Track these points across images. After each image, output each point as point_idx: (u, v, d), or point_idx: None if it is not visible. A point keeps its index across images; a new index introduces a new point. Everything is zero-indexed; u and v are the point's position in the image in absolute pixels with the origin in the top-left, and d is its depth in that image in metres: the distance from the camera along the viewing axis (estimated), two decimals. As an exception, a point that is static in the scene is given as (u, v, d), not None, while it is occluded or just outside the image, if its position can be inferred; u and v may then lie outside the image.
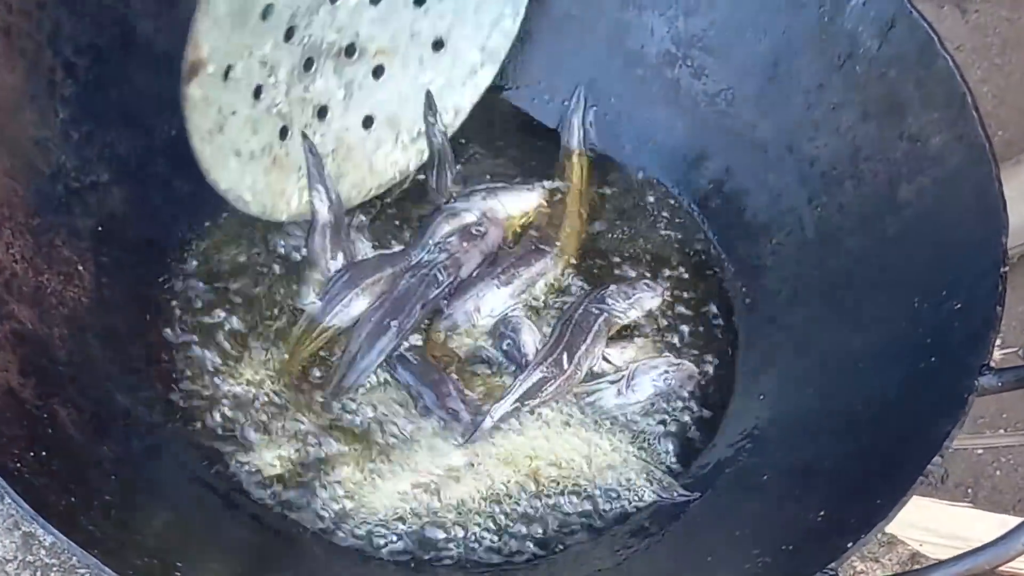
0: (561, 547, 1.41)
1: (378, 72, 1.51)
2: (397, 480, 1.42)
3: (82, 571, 1.39)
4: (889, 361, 1.37)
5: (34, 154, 1.40)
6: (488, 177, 1.69)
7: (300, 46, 1.43)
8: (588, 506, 1.43)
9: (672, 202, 1.71)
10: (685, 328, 1.59)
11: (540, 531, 1.41)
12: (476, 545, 1.39)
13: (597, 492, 1.44)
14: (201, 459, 1.41)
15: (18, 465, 1.13)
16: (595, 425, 1.48)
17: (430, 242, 1.56)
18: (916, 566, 1.43)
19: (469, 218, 1.59)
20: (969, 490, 1.81)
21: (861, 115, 1.49)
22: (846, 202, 1.51)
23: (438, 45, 1.52)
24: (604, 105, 1.74)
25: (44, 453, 1.19)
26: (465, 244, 1.57)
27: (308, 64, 1.46)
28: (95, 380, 1.37)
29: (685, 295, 1.62)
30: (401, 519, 1.40)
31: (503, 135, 1.75)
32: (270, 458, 1.42)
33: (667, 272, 1.63)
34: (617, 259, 1.65)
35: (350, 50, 1.47)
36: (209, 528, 1.35)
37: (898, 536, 1.49)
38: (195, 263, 1.57)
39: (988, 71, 2.25)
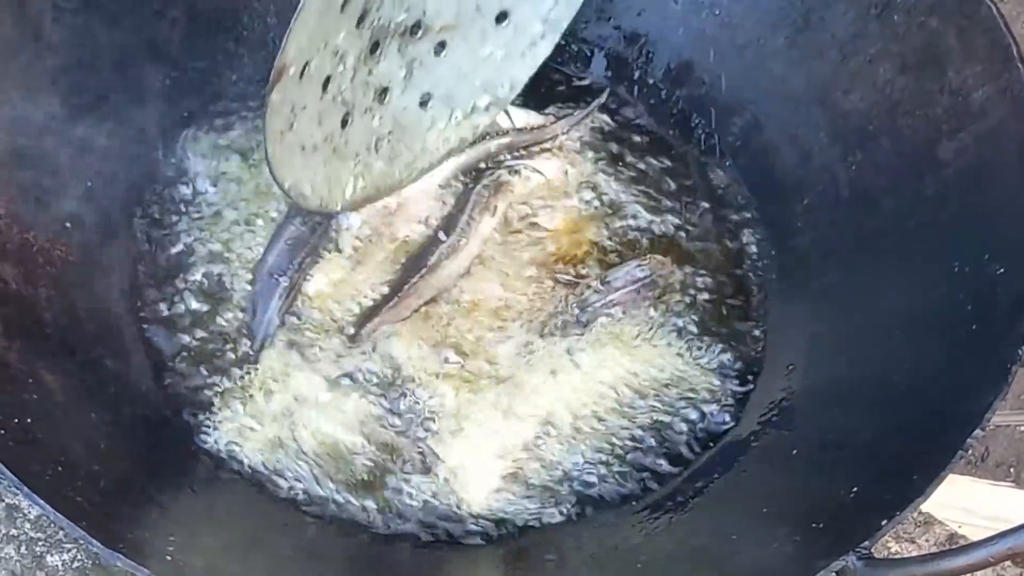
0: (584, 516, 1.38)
1: (439, 48, 1.47)
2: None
3: (69, 546, 1.36)
4: (927, 329, 1.30)
5: (21, 104, 1.35)
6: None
7: (369, 30, 1.38)
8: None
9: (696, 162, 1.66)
10: (713, 293, 1.54)
11: (570, 491, 1.39)
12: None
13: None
14: (196, 429, 1.37)
15: (1, 432, 1.09)
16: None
17: None
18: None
19: None
20: (1011, 469, 1.75)
21: (899, 67, 1.42)
22: (882, 160, 1.44)
23: (501, 17, 1.47)
24: (626, 57, 1.71)
25: (29, 420, 1.13)
26: None
27: (374, 48, 1.41)
28: (84, 344, 1.33)
29: (711, 262, 1.57)
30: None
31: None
32: (268, 430, 1.39)
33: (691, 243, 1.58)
34: (641, 213, 1.59)
35: (415, 28, 1.43)
36: (205, 501, 1.31)
37: (935, 516, 1.45)
38: (186, 222, 1.53)
39: (1036, 25, 2.15)
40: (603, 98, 1.67)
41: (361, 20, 1.36)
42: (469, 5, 1.44)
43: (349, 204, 1.47)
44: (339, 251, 1.50)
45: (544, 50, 1.51)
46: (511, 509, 1.36)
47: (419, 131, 1.48)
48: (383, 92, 1.44)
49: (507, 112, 1.60)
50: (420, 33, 1.43)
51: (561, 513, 1.37)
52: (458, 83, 1.49)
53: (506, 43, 1.49)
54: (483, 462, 1.38)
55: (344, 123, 1.43)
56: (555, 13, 1.49)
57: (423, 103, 1.48)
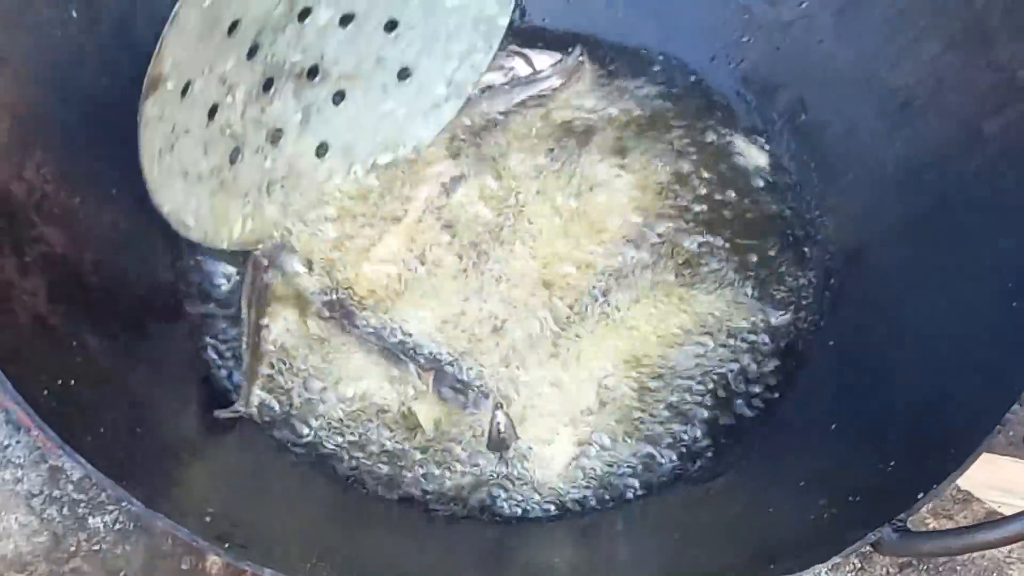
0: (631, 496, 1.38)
1: (338, 98, 1.44)
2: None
3: (111, 507, 1.37)
4: (970, 304, 1.29)
5: (71, 69, 1.35)
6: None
7: (262, 64, 1.39)
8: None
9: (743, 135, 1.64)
10: (755, 271, 1.52)
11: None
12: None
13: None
14: (237, 391, 1.39)
15: (45, 394, 1.10)
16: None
17: None
18: (992, 523, 1.38)
19: None
20: (1050, 450, 1.73)
21: (946, 44, 1.41)
22: (928, 136, 1.43)
23: (404, 74, 1.45)
24: (672, 31, 1.69)
25: (73, 382, 1.15)
26: None
27: (268, 85, 1.41)
28: (128, 308, 1.34)
29: (755, 235, 1.56)
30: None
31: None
32: (312, 394, 1.39)
33: (736, 213, 1.57)
34: (686, 198, 1.57)
35: (312, 72, 1.43)
36: (246, 463, 1.33)
37: (974, 494, 1.43)
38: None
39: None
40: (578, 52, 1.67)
41: (252, 53, 1.37)
42: (370, 57, 1.43)
43: (237, 243, 1.45)
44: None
45: (448, 113, 1.46)
46: (581, 483, 1.37)
47: (314, 180, 1.45)
48: (277, 134, 1.43)
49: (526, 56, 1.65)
50: (318, 78, 1.42)
51: (616, 486, 1.38)
52: (357, 136, 1.46)
53: (408, 101, 1.46)
54: (555, 433, 1.39)
55: (233, 159, 1.42)
56: (459, 75, 1.45)
57: (319, 152, 1.45)
